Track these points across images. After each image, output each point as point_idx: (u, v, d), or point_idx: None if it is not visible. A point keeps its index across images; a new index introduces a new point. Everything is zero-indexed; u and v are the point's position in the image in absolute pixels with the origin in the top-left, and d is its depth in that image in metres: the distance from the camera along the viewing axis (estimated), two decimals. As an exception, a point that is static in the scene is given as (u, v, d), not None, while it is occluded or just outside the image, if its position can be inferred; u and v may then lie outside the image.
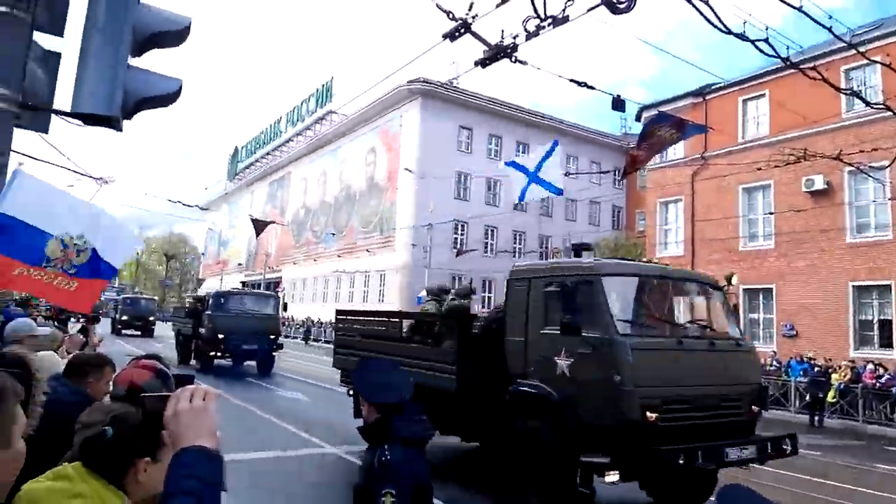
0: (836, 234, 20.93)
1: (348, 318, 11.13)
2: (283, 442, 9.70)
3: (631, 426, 5.82)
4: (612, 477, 5.82)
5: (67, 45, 3.34)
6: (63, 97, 3.19)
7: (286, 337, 43.40)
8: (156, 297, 56.96)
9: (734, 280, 13.59)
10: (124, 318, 35.76)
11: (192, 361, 19.94)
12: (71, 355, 3.93)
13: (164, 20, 3.39)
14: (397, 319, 9.57)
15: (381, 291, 40.59)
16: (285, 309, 22.18)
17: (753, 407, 6.84)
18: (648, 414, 5.76)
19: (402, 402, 2.43)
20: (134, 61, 3.34)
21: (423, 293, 33.00)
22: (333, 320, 11.75)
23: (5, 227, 3.20)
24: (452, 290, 9.69)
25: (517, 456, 6.76)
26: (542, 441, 6.45)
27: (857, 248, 20.61)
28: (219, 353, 18.55)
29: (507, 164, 10.95)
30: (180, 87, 3.44)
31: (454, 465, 8.69)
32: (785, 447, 6.78)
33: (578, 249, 8.24)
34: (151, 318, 36.59)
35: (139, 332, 34.79)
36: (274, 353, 19.47)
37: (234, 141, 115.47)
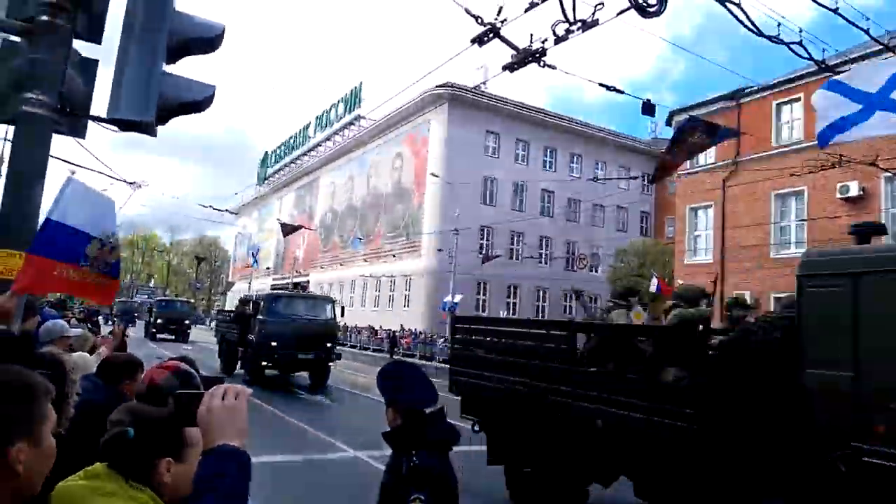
0: (872, 242, 20.40)
1: (474, 326, 8.58)
2: (309, 445, 9.75)
3: None
4: None
5: (105, 51, 3.42)
6: (100, 103, 3.26)
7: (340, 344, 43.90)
8: (192, 300, 56.86)
9: None
10: (159, 321, 34.41)
11: (239, 370, 18.62)
12: (103, 356, 4.00)
13: (198, 27, 3.46)
14: (564, 332, 6.63)
15: (407, 296, 40.72)
16: (343, 314, 20.08)
17: None
18: None
19: (435, 409, 2.43)
20: (168, 68, 3.41)
21: (448, 298, 32.91)
22: (452, 327, 8.71)
23: (54, 233, 3.29)
24: (678, 289, 7.60)
25: None
26: None
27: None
28: (270, 363, 16.74)
29: (824, 87, 6.10)
30: (213, 94, 3.50)
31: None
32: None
33: (866, 232, 5.66)
34: (187, 322, 35.43)
35: (173, 337, 33.77)
36: (330, 364, 17.59)
37: (265, 145, 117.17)
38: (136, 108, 3.19)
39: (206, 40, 3.49)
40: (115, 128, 3.27)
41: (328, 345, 17.28)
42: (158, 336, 33.14)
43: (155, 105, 3.23)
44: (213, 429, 1.24)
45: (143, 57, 3.22)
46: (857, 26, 8.28)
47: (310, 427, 11.02)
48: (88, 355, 4.73)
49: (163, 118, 3.38)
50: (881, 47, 9.87)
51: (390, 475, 2.37)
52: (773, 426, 4.64)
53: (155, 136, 3.44)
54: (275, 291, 25.39)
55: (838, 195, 21.05)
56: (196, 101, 3.47)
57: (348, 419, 12.58)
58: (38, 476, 1.21)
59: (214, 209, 24.17)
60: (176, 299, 43.56)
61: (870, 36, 8.53)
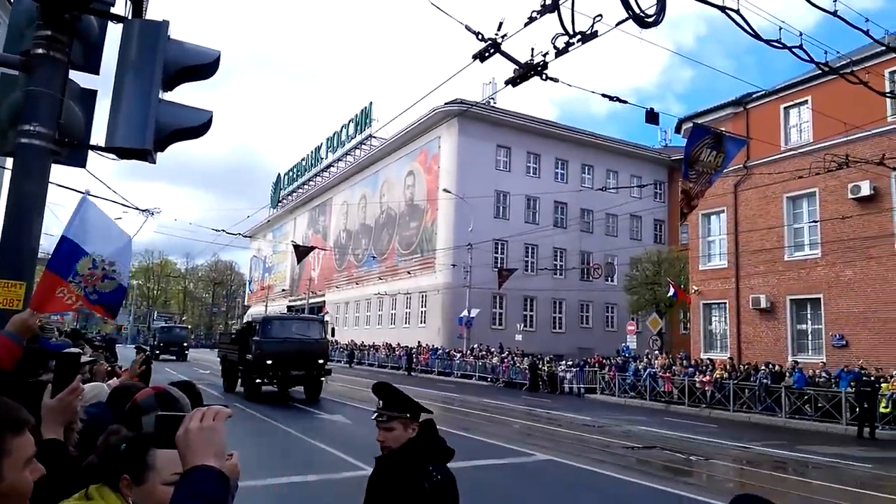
0: (885, 241, 20.16)
1: None
2: (326, 465, 9.74)
3: None
4: None
5: (103, 82, 3.51)
6: (99, 132, 3.35)
7: (330, 360, 44.01)
8: (188, 325, 64.85)
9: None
10: (161, 344, 41.95)
11: (240, 388, 19.82)
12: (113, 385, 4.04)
13: (193, 55, 3.54)
14: None
15: (423, 313, 40.70)
16: (333, 334, 23.92)
17: None
18: None
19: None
20: (165, 95, 3.50)
21: (465, 313, 32.81)
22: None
23: (68, 251, 3.34)
24: None
25: None
26: None
27: (908, 253, 19.80)
28: (266, 380, 18.20)
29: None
30: (210, 119, 3.57)
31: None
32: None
33: None
34: (185, 344, 43.80)
35: (174, 357, 40.95)
36: (322, 379, 19.02)
37: (277, 168, 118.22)
38: (134, 136, 3.27)
39: (202, 67, 3.56)
40: (114, 156, 3.34)
41: (319, 361, 18.81)
42: (161, 357, 38.85)
43: (153, 132, 3.30)
44: (191, 450, 1.25)
45: (139, 85, 3.30)
46: (856, 28, 8.24)
47: (328, 447, 11.02)
48: (103, 384, 4.79)
49: (161, 145, 3.45)
50: (882, 48, 9.82)
51: (404, 495, 2.20)
52: None
53: (154, 162, 3.51)
54: (270, 314, 26.89)
55: (850, 195, 20.87)
56: (193, 126, 3.53)
57: (365, 437, 12.55)
58: None
59: (227, 233, 24.34)
60: (175, 325, 52.45)
61: (870, 37, 8.48)
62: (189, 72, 3.56)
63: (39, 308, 3.30)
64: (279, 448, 11.32)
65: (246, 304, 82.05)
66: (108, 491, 1.50)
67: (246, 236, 38.10)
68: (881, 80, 17.06)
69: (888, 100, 16.95)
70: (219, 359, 24.09)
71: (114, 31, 3.42)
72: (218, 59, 3.63)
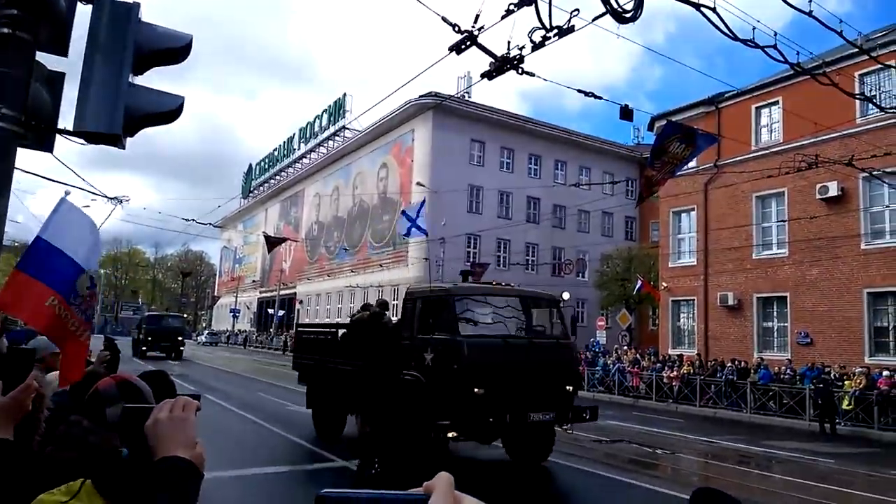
0: (851, 241, 20.67)
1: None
2: (296, 456, 9.67)
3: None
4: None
5: (71, 64, 3.39)
6: (68, 116, 3.23)
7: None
8: (184, 315, 54.70)
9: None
10: (149, 337, 32.52)
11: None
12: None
13: (164, 38, 3.44)
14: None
15: (395, 306, 40.60)
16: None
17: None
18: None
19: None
20: (135, 79, 3.39)
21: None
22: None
23: (45, 255, 3.17)
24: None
25: None
26: None
27: (872, 254, 20.35)
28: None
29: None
30: (182, 104, 3.47)
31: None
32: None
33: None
34: (180, 338, 33.46)
35: (164, 354, 32.06)
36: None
37: (249, 158, 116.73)
38: (103, 120, 3.17)
39: (173, 51, 3.47)
40: (82, 140, 3.24)
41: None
42: (149, 353, 31.43)
43: (122, 117, 3.21)
44: (160, 441, 1.23)
45: (108, 68, 3.20)
46: (830, 28, 8.39)
47: (297, 438, 10.94)
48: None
49: (130, 130, 3.35)
50: (853, 50, 10.01)
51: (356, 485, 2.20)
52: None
53: (123, 148, 3.41)
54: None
55: (818, 196, 21.32)
56: (164, 111, 3.44)
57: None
58: None
59: (198, 223, 23.96)
60: (167, 313, 40.86)
61: (843, 38, 8.64)
62: (160, 55, 3.46)
63: (12, 308, 3.17)
64: (248, 439, 11.21)
65: (216, 294, 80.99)
66: (97, 497, 1.44)
67: (216, 226, 37.52)
68: (851, 81, 17.42)
69: (857, 102, 17.32)
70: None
71: (83, 13, 3.31)
72: (190, 44, 3.53)
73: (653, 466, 10.87)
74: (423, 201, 19.51)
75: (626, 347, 26.67)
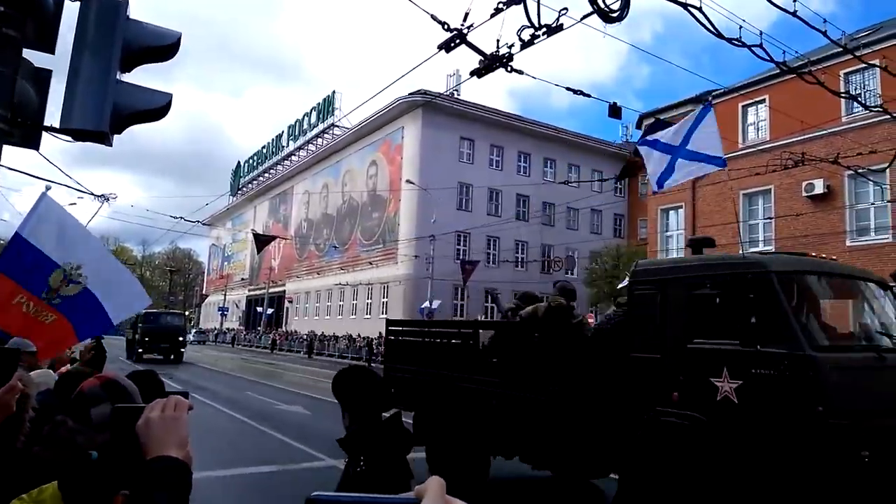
0: (837, 238, 20.88)
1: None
2: (284, 455, 9.65)
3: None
4: None
5: (59, 61, 3.37)
6: (55, 113, 3.21)
7: (289, 351, 43.51)
8: (185, 313, 51.13)
9: None
10: (146, 338, 29.42)
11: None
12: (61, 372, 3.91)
13: (152, 35, 3.42)
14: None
15: (384, 304, 40.59)
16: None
17: None
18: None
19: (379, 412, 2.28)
20: (123, 76, 3.38)
21: (426, 304, 32.80)
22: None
23: (21, 251, 3.14)
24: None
25: None
26: None
27: (857, 251, 20.55)
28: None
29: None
30: (170, 102, 3.46)
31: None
32: None
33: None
34: (181, 339, 30.49)
35: (162, 357, 29.54)
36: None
37: (237, 156, 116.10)
38: (90, 117, 3.15)
39: (162, 49, 3.45)
40: (69, 138, 3.22)
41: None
42: (146, 356, 28.79)
43: (109, 114, 3.19)
44: (152, 441, 1.22)
45: (96, 65, 3.18)
46: (815, 28, 8.47)
47: (286, 437, 10.92)
48: (52, 371, 4.64)
49: (118, 127, 3.33)
50: (837, 49, 10.11)
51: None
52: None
53: (110, 145, 3.39)
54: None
55: (804, 193, 21.51)
56: (152, 109, 3.43)
57: (323, 428, 12.48)
58: None
59: (186, 220, 23.64)
60: (166, 311, 37.80)
61: (828, 38, 8.72)
62: (148, 53, 3.44)
63: None
64: (236, 439, 11.17)
65: (204, 292, 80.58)
66: (60, 502, 1.43)
67: (205, 224, 37.29)
68: (836, 80, 17.58)
69: (842, 100, 17.50)
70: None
71: (71, 9, 3.29)
72: (178, 41, 3.51)
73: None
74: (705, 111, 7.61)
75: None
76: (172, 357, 29.80)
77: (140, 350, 29.12)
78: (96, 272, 3.53)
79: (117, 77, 3.27)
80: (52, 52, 3.37)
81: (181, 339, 30.58)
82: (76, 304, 3.42)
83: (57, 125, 3.17)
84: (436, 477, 0.70)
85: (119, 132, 3.35)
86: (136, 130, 3.48)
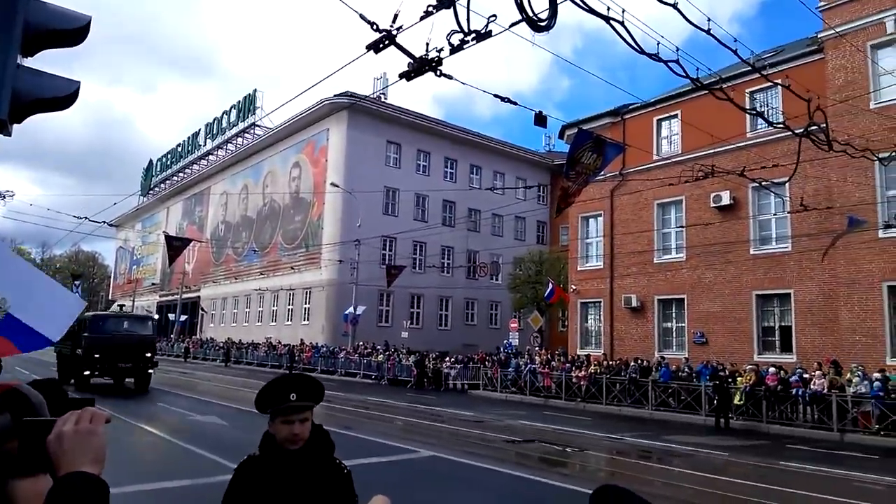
0: (741, 247, 22.18)
1: None
2: (197, 469, 9.22)
3: None
4: None
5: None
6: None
7: (204, 359, 41.84)
8: (155, 316, 41.14)
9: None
10: (95, 355, 19.00)
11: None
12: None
13: (59, 17, 3.17)
14: None
15: (307, 310, 39.79)
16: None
17: None
18: None
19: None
20: (25, 61, 3.11)
21: (350, 310, 32.37)
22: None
23: None
24: None
25: None
26: None
27: (760, 259, 21.93)
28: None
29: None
30: (77, 90, 3.21)
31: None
32: None
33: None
34: (148, 355, 20.07)
35: (122, 380, 20.47)
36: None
37: (148, 153, 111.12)
38: (-15, 103, 2.88)
39: (69, 32, 3.20)
40: (-40, 125, 2.93)
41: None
42: (94, 380, 19.34)
43: (8, 101, 2.93)
44: (65, 456, 1.12)
45: (-7, 47, 2.91)
46: (726, 46, 8.90)
47: (200, 449, 10.44)
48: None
49: (18, 115, 3.06)
50: (745, 69, 10.68)
51: (330, 484, 2.13)
52: None
53: (9, 135, 3.11)
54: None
55: (712, 204, 22.71)
56: (58, 97, 3.17)
57: (239, 438, 12.03)
58: None
59: (91, 221, 21.97)
60: (126, 314, 26.23)
61: (738, 56, 9.19)
62: (54, 36, 3.18)
63: None
64: (145, 451, 10.60)
65: (111, 298, 76.46)
66: None
67: (111, 225, 35.35)
68: (743, 97, 18.63)
69: (748, 116, 18.56)
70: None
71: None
72: (88, 25, 3.27)
73: (562, 464, 11.16)
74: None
75: (537, 348, 27.32)
76: (135, 383, 20.17)
77: (86, 373, 19.01)
78: (17, 295, 3.30)
79: (18, 61, 3.00)
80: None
81: (149, 354, 20.15)
82: (2, 327, 3.19)
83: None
84: (381, 496, 0.64)
85: (19, 121, 3.08)
86: (35, 123, 3.21)
